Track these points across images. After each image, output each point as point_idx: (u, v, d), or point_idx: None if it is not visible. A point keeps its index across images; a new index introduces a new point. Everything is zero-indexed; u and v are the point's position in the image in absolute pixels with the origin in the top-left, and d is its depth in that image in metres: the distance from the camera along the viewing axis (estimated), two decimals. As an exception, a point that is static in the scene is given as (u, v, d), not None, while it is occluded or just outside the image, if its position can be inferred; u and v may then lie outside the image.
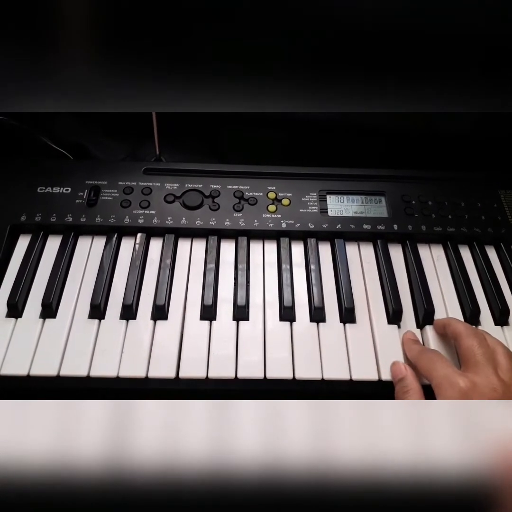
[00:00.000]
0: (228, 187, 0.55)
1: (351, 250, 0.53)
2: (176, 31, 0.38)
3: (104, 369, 0.42)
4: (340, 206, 0.55)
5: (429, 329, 0.46)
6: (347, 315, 0.47)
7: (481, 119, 0.65)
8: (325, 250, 0.53)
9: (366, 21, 0.37)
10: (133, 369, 0.42)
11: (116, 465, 0.26)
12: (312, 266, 0.50)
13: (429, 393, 0.39)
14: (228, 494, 0.25)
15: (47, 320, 0.45)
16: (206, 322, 0.46)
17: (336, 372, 0.43)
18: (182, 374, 0.42)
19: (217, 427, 0.27)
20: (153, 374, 0.42)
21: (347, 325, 0.46)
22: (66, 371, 0.42)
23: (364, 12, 0.37)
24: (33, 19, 0.36)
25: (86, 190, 0.53)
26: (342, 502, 0.25)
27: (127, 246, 0.51)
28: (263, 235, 0.53)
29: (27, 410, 0.28)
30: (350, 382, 0.43)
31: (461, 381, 0.37)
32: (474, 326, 0.45)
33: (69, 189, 0.54)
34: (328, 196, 0.55)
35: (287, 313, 0.46)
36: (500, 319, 0.48)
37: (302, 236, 0.53)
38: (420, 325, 0.47)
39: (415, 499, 0.25)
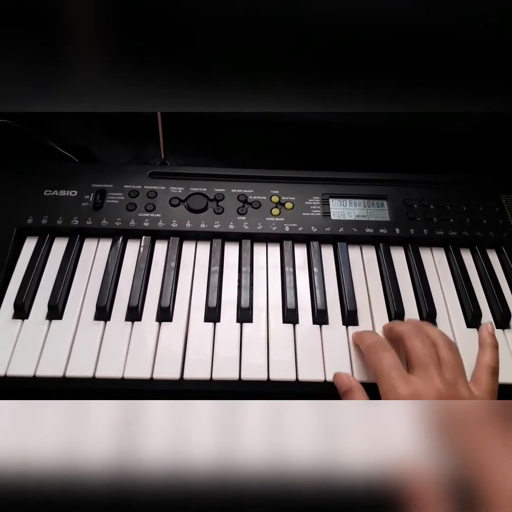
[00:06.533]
0: (232, 190, 0.56)
1: (354, 253, 0.53)
2: (181, 33, 0.38)
3: (109, 370, 0.43)
4: (343, 210, 0.55)
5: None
6: (350, 318, 0.47)
7: (483, 123, 0.65)
8: (327, 253, 0.53)
9: (368, 21, 0.38)
10: (138, 370, 0.43)
11: (124, 464, 0.26)
12: (315, 269, 0.51)
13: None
14: (235, 494, 0.25)
15: (53, 321, 0.46)
16: (210, 324, 0.46)
17: (338, 374, 0.43)
18: (187, 375, 0.43)
19: (224, 426, 0.27)
20: (158, 375, 0.43)
21: (350, 327, 0.47)
22: (71, 372, 0.43)
23: (366, 13, 0.37)
24: (39, 21, 0.37)
25: (92, 193, 0.54)
26: (349, 502, 0.25)
27: (132, 249, 0.52)
28: (267, 238, 0.54)
29: (34, 410, 0.29)
30: (353, 384, 0.43)
31: (405, 391, 0.36)
32: (417, 322, 0.45)
33: (75, 192, 0.54)
34: (330, 200, 0.56)
35: (290, 315, 0.47)
36: (501, 322, 0.48)
37: (305, 239, 0.53)
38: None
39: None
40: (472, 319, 0.48)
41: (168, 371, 0.43)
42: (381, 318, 0.48)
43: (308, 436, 0.26)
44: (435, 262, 0.53)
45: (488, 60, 0.39)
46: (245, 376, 0.43)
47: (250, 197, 0.55)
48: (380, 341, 0.42)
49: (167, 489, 0.25)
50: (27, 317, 0.46)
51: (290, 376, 0.43)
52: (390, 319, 0.48)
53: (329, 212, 0.55)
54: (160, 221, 0.53)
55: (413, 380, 0.38)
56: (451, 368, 0.39)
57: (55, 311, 0.46)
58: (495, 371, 0.41)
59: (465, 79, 0.40)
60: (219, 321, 0.47)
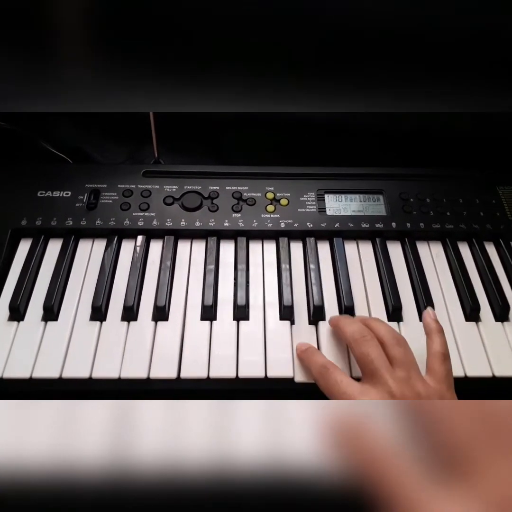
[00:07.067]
0: (226, 188, 0.55)
1: (350, 248, 0.53)
2: (174, 30, 0.38)
3: (106, 370, 0.43)
4: (339, 205, 0.55)
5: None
6: (347, 313, 0.47)
7: (479, 117, 0.65)
8: (324, 249, 0.53)
9: (366, 21, 0.38)
10: (135, 370, 0.43)
11: (118, 464, 0.26)
12: (311, 265, 0.50)
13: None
14: (229, 494, 0.25)
15: (49, 323, 0.46)
16: (207, 323, 0.46)
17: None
18: (184, 375, 0.43)
19: (218, 427, 0.27)
20: (154, 375, 0.42)
21: (347, 323, 0.47)
22: (68, 373, 0.42)
23: (364, 13, 0.37)
24: (30, 21, 0.37)
25: (86, 194, 0.54)
26: (348, 500, 0.25)
27: (127, 249, 0.52)
28: (262, 235, 0.53)
29: (28, 410, 0.29)
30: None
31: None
32: (362, 319, 0.43)
33: (69, 193, 0.54)
34: (326, 195, 0.55)
35: (287, 312, 0.47)
36: (500, 315, 0.48)
37: (300, 235, 0.53)
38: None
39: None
40: (471, 313, 0.48)
41: (165, 370, 0.43)
42: (379, 313, 0.48)
43: (304, 436, 0.26)
44: (432, 255, 0.53)
45: (488, 60, 0.39)
46: (243, 374, 0.43)
47: (245, 194, 0.55)
48: (326, 367, 0.40)
49: (161, 488, 0.25)
50: (22, 319, 0.46)
51: (287, 373, 0.43)
52: (387, 314, 0.48)
53: (325, 208, 0.54)
54: (155, 220, 0.52)
55: (366, 389, 0.37)
56: (402, 365, 0.38)
57: (51, 313, 0.46)
58: (445, 356, 0.40)
59: (465, 79, 0.40)
60: (215, 319, 0.47)
